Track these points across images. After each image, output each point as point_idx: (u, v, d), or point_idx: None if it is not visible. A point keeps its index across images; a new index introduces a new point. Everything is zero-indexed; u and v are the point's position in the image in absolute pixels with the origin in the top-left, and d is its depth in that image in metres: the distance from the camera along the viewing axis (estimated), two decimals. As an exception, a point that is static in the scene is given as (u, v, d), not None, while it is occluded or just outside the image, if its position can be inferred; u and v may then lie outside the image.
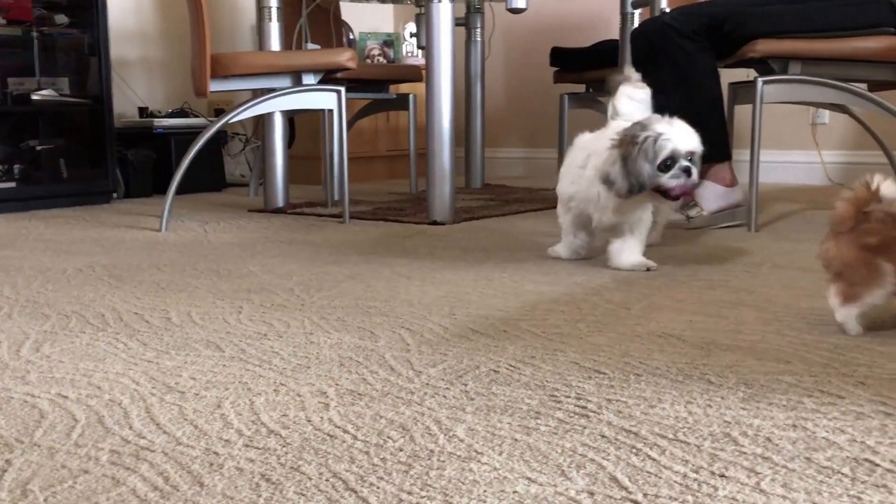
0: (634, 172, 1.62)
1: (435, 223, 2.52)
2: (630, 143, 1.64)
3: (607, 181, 1.66)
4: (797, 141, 3.74)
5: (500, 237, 2.27)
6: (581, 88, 3.72)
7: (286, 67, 2.51)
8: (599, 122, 3.73)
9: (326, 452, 0.82)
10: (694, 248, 2.03)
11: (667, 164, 1.62)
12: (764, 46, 2.21)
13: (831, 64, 2.29)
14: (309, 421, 0.91)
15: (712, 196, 2.34)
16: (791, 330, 1.26)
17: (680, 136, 1.63)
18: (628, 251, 1.78)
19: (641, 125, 1.66)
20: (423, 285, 1.62)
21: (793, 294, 1.51)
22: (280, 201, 2.91)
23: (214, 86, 2.44)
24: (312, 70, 2.51)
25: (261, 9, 2.81)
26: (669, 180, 1.63)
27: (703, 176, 2.37)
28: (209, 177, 3.68)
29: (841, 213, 1.21)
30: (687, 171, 1.63)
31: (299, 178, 3.82)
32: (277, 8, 2.81)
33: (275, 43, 2.80)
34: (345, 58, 2.50)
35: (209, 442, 0.84)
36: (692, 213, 2.33)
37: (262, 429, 0.88)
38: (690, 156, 1.64)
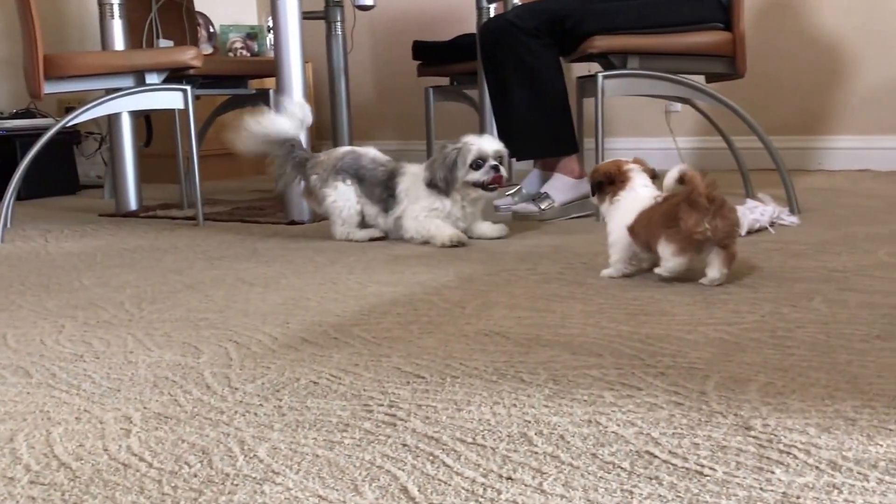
0: (445, 173, 2.06)
1: (293, 223, 2.49)
2: (443, 153, 2.08)
3: (430, 184, 2.08)
4: (654, 128, 3.90)
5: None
6: (445, 81, 3.75)
7: (126, 67, 2.41)
8: (466, 115, 3.79)
9: (116, 484, 0.80)
10: (540, 241, 2.09)
11: (478, 164, 2.05)
12: (602, 42, 2.28)
13: (668, 58, 2.40)
14: (105, 450, 0.88)
15: (562, 188, 2.40)
16: (610, 322, 1.31)
17: (485, 142, 2.08)
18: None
19: (456, 140, 2.09)
20: (264, 292, 1.60)
21: (621, 284, 1.57)
22: (132, 204, 2.81)
23: (49, 87, 2.33)
24: (155, 69, 2.42)
25: (101, 6, 2.70)
26: (481, 176, 2.06)
27: (552, 169, 2.45)
28: (61, 179, 3.52)
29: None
30: (495, 168, 2.06)
31: (159, 178, 3.69)
32: (120, 4, 2.69)
33: (118, 41, 2.69)
34: (188, 56, 2.43)
35: (-12, 482, 0.81)
36: (543, 205, 2.39)
37: (53, 462, 0.85)
38: (498, 156, 2.07)
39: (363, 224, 2.17)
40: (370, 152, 2.21)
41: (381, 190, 2.13)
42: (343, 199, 2.13)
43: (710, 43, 2.39)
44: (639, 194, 1.62)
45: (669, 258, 1.52)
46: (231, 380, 1.09)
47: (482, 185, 2.06)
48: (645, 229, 1.58)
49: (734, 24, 2.41)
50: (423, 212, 2.08)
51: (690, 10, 2.39)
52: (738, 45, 2.43)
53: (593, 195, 1.72)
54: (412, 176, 2.12)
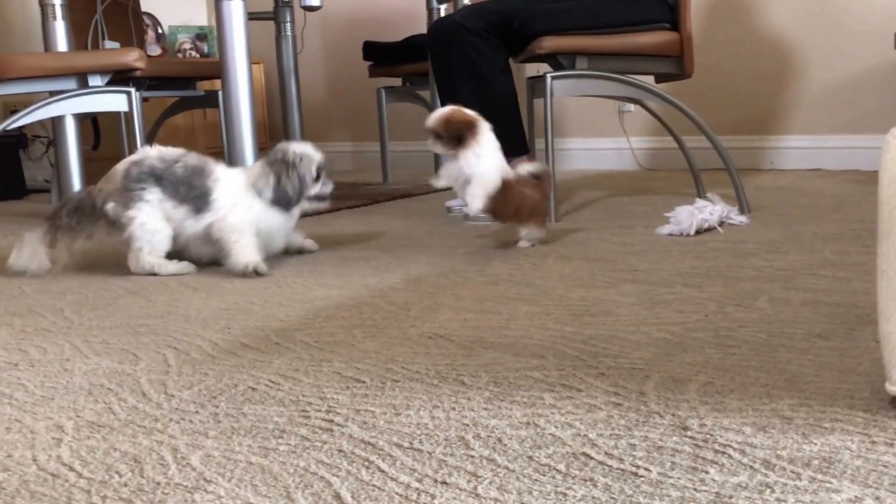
0: (297, 184, 1.87)
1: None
2: (283, 163, 1.87)
3: (277, 200, 1.85)
4: (607, 129, 3.92)
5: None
6: (398, 82, 3.75)
7: (68, 69, 2.36)
8: (419, 115, 3.79)
9: (43, 495, 0.78)
10: (491, 242, 2.08)
11: (315, 175, 1.92)
12: (549, 43, 2.29)
13: (616, 59, 2.41)
14: (34, 460, 0.85)
15: (512, 189, 2.40)
16: (555, 323, 1.31)
17: (313, 151, 1.93)
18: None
19: (283, 148, 1.91)
20: (207, 297, 1.57)
21: (568, 285, 1.57)
22: (78, 209, 2.74)
23: (-11, 89, 2.27)
24: (98, 71, 2.37)
25: (43, 6, 2.63)
26: (323, 188, 1.94)
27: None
28: (6, 184, 3.43)
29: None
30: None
31: (109, 182, 3.62)
32: (62, 5, 2.63)
33: (61, 42, 2.63)
34: (132, 58, 2.39)
35: None
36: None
37: (-25, 476, 0.82)
38: (323, 165, 1.96)
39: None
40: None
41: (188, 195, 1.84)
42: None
43: (657, 43, 2.42)
44: (491, 152, 1.94)
45: (536, 231, 1.98)
46: (168, 387, 1.07)
47: (322, 198, 1.94)
48: (513, 214, 1.95)
49: (681, 24, 2.44)
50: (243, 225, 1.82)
51: (637, 11, 2.41)
52: (685, 46, 2.45)
53: (458, 144, 1.89)
54: (230, 196, 1.84)
